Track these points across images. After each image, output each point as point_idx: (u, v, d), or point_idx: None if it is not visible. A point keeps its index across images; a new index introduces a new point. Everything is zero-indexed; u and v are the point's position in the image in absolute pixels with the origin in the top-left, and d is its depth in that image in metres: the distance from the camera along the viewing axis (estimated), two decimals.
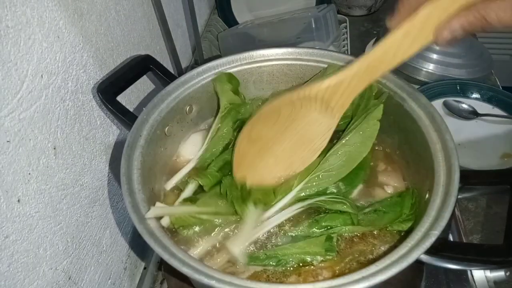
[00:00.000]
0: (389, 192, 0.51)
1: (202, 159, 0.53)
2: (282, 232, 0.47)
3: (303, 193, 0.48)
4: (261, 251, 0.45)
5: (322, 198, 0.47)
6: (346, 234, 0.47)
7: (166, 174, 0.54)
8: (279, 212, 0.48)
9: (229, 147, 0.54)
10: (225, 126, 0.55)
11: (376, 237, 0.46)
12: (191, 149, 0.57)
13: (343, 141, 0.49)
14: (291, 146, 0.50)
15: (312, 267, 0.44)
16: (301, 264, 0.44)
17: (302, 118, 0.48)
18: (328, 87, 0.43)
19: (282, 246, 0.45)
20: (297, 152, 0.51)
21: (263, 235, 0.47)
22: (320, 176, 0.49)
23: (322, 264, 0.44)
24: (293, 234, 0.46)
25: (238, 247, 0.45)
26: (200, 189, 0.51)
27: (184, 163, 0.55)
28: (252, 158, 0.51)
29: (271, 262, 0.44)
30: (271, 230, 0.47)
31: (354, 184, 0.50)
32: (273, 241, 0.47)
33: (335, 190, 0.49)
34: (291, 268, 0.44)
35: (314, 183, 0.49)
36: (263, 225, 0.47)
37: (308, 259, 0.44)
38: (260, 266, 0.44)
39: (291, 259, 0.44)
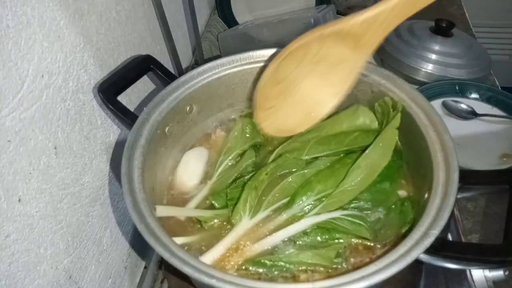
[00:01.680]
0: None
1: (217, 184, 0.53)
2: (289, 238, 0.46)
3: (325, 209, 0.47)
4: (267, 256, 0.45)
5: (338, 215, 0.46)
6: (353, 244, 0.46)
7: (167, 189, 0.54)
8: (294, 225, 0.47)
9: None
10: (246, 160, 0.54)
11: (380, 248, 0.46)
12: (189, 175, 0.55)
13: (364, 154, 0.48)
14: (312, 89, 0.47)
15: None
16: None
17: (329, 56, 0.44)
18: (364, 20, 0.40)
19: (288, 254, 0.44)
20: (317, 96, 0.47)
21: (275, 244, 0.46)
22: (344, 191, 0.47)
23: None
24: (301, 243, 0.46)
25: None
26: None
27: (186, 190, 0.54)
28: (272, 102, 0.48)
29: (276, 270, 0.43)
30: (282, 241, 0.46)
31: (379, 203, 0.48)
32: (279, 247, 0.46)
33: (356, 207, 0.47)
34: (293, 276, 0.44)
35: (337, 199, 0.47)
36: (276, 235, 0.46)
37: (315, 269, 0.44)
38: (265, 272, 0.44)
39: (296, 268, 0.44)
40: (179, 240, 0.46)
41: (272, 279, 0.43)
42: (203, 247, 0.47)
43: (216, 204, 0.50)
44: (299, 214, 0.48)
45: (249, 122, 0.57)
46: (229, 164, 0.55)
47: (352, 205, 0.48)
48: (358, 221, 0.46)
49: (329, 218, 0.46)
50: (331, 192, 0.47)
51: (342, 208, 0.47)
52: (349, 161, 0.49)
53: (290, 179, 0.50)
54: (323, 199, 0.47)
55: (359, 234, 0.45)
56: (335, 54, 0.44)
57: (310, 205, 0.48)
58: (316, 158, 0.52)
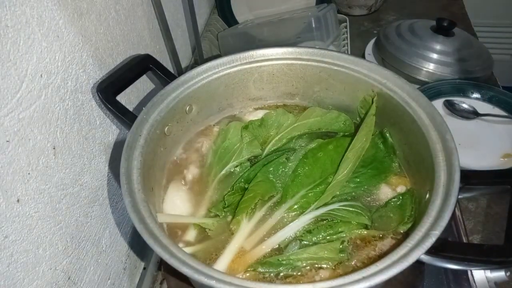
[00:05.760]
0: (398, 190, 0.51)
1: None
2: (294, 237, 0.47)
3: (322, 203, 0.49)
4: (274, 256, 0.45)
5: (337, 206, 0.48)
6: (354, 237, 0.47)
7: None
8: (295, 221, 0.48)
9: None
10: (242, 171, 0.54)
11: (380, 238, 0.47)
12: (176, 205, 0.53)
13: (350, 146, 0.52)
14: None
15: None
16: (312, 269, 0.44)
17: None
18: None
19: (295, 251, 0.45)
20: None
21: (280, 243, 0.47)
22: (336, 183, 0.50)
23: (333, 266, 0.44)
24: (306, 241, 0.46)
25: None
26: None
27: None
28: None
29: (284, 268, 0.44)
30: (286, 238, 0.47)
31: (371, 184, 0.52)
32: (286, 247, 0.46)
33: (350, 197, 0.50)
34: (301, 274, 0.44)
35: (331, 191, 0.49)
36: (280, 234, 0.47)
37: (321, 264, 0.44)
38: (273, 272, 0.44)
39: (304, 264, 0.44)
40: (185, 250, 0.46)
41: (279, 278, 0.44)
42: (210, 255, 0.47)
43: (219, 214, 0.50)
44: (295, 207, 0.49)
45: (247, 133, 0.56)
46: (226, 174, 0.55)
47: (345, 196, 0.51)
48: (356, 209, 0.48)
49: (329, 210, 0.48)
50: (320, 182, 0.50)
51: (339, 200, 0.49)
52: (330, 146, 0.54)
53: (276, 174, 0.53)
54: (315, 189, 0.50)
55: (359, 221, 0.47)
56: None
57: (304, 199, 0.49)
58: (294, 149, 0.56)
